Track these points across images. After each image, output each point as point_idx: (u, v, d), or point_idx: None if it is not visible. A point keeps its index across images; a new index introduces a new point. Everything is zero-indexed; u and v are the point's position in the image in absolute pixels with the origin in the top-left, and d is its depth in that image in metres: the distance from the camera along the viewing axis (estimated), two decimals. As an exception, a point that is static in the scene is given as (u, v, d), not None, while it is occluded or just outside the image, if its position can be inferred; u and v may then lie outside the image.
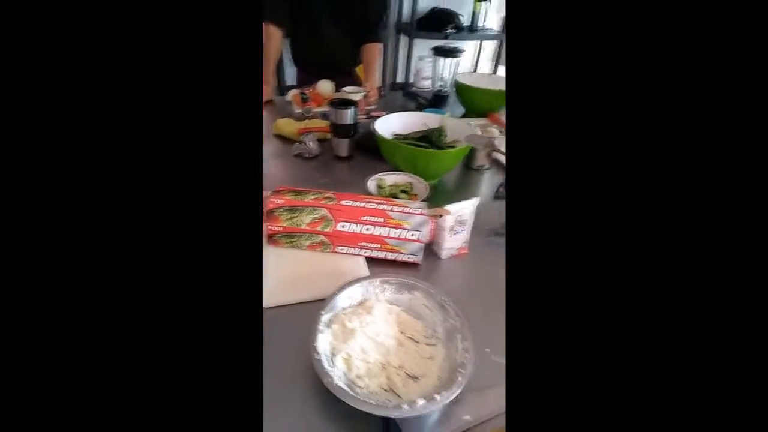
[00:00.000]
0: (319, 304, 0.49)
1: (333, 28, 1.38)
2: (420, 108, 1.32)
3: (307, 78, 1.42)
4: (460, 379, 0.41)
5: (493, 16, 2.54)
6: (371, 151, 0.95)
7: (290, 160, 0.96)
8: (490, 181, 0.91)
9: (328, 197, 0.62)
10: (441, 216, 0.61)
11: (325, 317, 0.48)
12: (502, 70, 2.61)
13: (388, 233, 0.61)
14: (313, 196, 0.62)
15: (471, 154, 0.94)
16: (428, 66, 1.51)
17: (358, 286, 0.53)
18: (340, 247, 0.63)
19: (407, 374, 0.44)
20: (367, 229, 0.61)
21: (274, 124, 1.09)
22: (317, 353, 0.43)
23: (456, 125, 0.92)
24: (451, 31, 2.35)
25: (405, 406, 0.38)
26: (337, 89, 1.34)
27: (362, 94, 1.30)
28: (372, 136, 0.87)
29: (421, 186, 0.77)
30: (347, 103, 0.94)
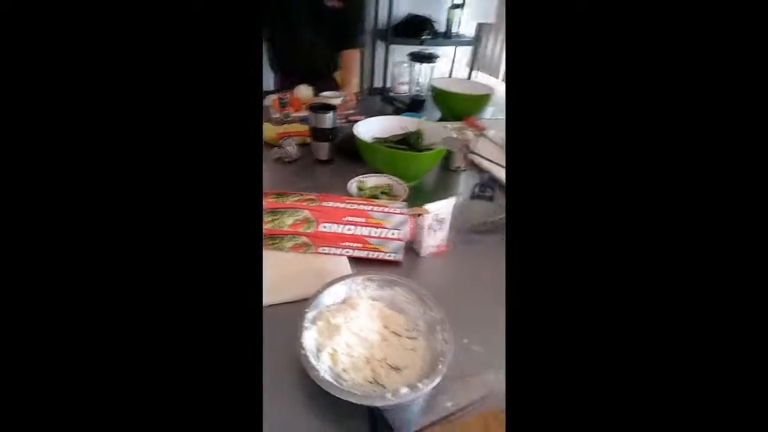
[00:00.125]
0: (304, 303, 0.50)
1: (312, 34, 1.40)
2: (398, 112, 1.35)
3: (285, 83, 1.43)
4: (441, 367, 0.43)
5: (467, 23, 2.61)
6: (351, 155, 0.97)
7: (270, 164, 0.97)
8: (467, 182, 0.95)
9: (310, 199, 0.64)
10: (420, 215, 0.63)
11: (310, 315, 0.49)
12: (477, 76, 2.67)
13: (370, 233, 0.62)
14: (295, 198, 0.64)
15: (448, 156, 0.97)
16: (405, 71, 1.55)
17: (342, 284, 0.54)
18: (322, 248, 0.64)
19: (390, 366, 0.46)
20: (349, 229, 0.62)
21: (254, 129, 1.09)
22: (303, 349, 0.44)
23: (433, 128, 0.95)
24: (426, 37, 2.41)
25: (389, 395, 0.40)
26: (316, 94, 1.35)
27: (341, 98, 1.32)
28: (351, 140, 0.89)
29: (401, 187, 0.79)
30: (327, 108, 0.96)
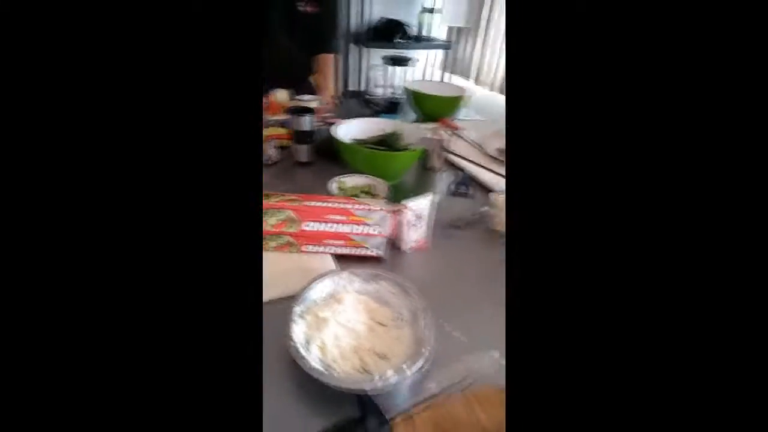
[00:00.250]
0: (291, 300, 0.52)
1: (287, 39, 1.41)
2: (375, 114, 1.37)
3: (263, 87, 1.43)
4: (424, 352, 0.45)
5: (439, 27, 2.67)
6: (330, 156, 0.99)
7: (251, 167, 0.98)
8: (444, 180, 0.98)
9: (293, 199, 0.65)
10: (400, 211, 0.65)
11: (297, 310, 0.51)
12: (450, 78, 2.73)
13: (352, 230, 0.64)
14: (278, 199, 0.65)
15: (426, 156, 1.00)
16: (381, 74, 1.58)
17: (328, 279, 0.56)
18: (307, 246, 0.66)
19: (378, 354, 0.48)
20: (332, 227, 0.64)
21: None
22: (293, 341, 0.46)
23: (410, 129, 0.98)
24: (400, 40, 2.45)
25: (377, 380, 0.42)
26: (293, 98, 1.36)
27: (318, 102, 1.34)
28: (330, 142, 0.91)
29: (381, 186, 0.82)
30: (305, 111, 0.97)
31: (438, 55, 2.88)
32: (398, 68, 1.45)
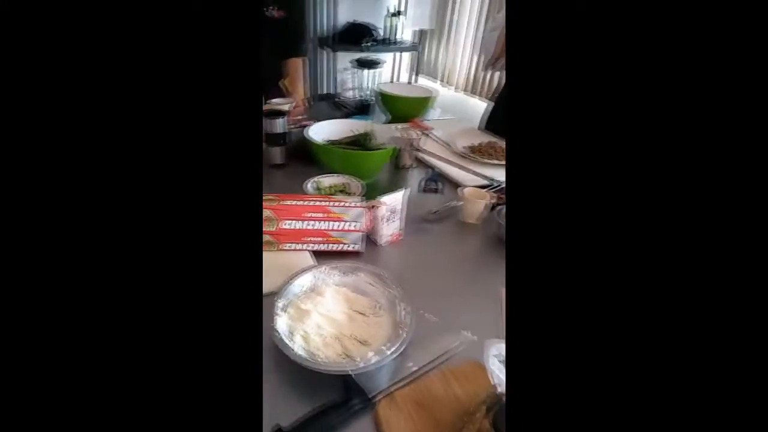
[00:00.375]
0: (272, 296, 0.54)
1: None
2: (346, 116, 1.40)
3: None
4: (402, 334, 0.49)
5: (406, 30, 2.73)
6: (303, 158, 1.01)
7: (225, 171, 0.98)
8: (416, 177, 1.02)
9: (270, 199, 0.67)
10: (376, 207, 0.69)
11: (280, 304, 0.53)
12: (420, 80, 2.80)
13: (330, 226, 0.67)
14: (256, 200, 0.67)
15: (398, 155, 1.04)
16: (351, 77, 1.61)
17: (309, 274, 0.58)
18: (286, 244, 0.68)
19: (359, 340, 0.51)
20: (311, 225, 0.67)
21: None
22: (277, 332, 0.48)
23: (381, 129, 1.01)
24: (369, 44, 2.49)
25: (359, 361, 0.45)
26: (265, 102, 1.37)
27: (289, 105, 1.35)
28: (303, 144, 0.93)
29: (357, 185, 0.85)
30: (277, 113, 0.99)
31: (405, 57, 2.94)
32: (367, 71, 1.48)
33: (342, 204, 0.68)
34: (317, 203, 0.68)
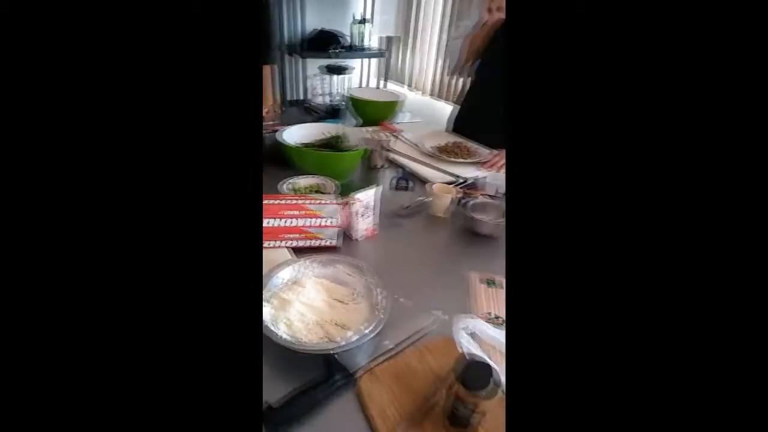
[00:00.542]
0: (256, 285, 0.57)
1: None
2: (317, 120, 1.44)
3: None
4: (379, 315, 0.53)
5: (373, 37, 2.80)
6: (277, 161, 1.03)
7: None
8: (387, 177, 1.07)
9: (249, 199, 0.70)
10: (351, 203, 0.73)
11: (263, 295, 0.56)
12: (388, 85, 2.86)
13: (308, 223, 0.71)
14: (234, 200, 0.69)
15: (370, 156, 1.09)
16: (321, 83, 1.65)
17: (289, 267, 0.62)
18: (266, 242, 0.71)
19: (339, 325, 0.55)
20: (289, 222, 0.70)
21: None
22: (262, 321, 0.51)
23: (353, 132, 1.06)
24: (337, 50, 2.53)
25: (340, 341, 0.49)
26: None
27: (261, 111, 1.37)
28: (276, 148, 0.96)
29: (331, 185, 0.88)
30: (251, 119, 1.01)
31: (373, 63, 3.00)
32: (336, 77, 1.53)
33: (318, 201, 0.72)
34: (294, 202, 0.71)
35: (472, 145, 1.24)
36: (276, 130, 1.04)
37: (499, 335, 0.51)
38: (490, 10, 1.11)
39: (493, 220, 0.82)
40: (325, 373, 0.48)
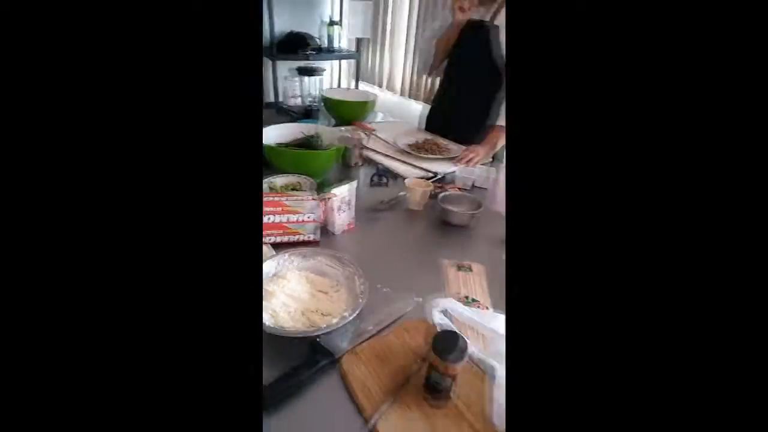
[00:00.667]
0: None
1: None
2: (293, 121, 1.46)
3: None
4: (360, 301, 0.56)
5: (344, 39, 2.82)
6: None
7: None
8: (364, 173, 1.10)
9: (229, 198, 0.72)
10: (329, 198, 0.76)
11: (247, 288, 0.58)
12: (361, 85, 2.90)
13: (287, 219, 0.73)
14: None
15: (347, 154, 1.12)
16: (295, 85, 1.66)
17: (272, 261, 0.64)
18: (246, 239, 0.72)
19: (322, 313, 0.58)
20: (269, 219, 0.72)
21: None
22: (248, 310, 0.53)
23: (328, 131, 1.09)
24: (310, 52, 2.55)
25: (323, 325, 0.52)
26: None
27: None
28: (255, 147, 0.98)
29: (308, 183, 0.91)
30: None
31: (345, 64, 3.03)
32: (310, 78, 1.55)
33: (297, 198, 0.74)
34: (273, 199, 0.73)
35: (443, 142, 1.29)
36: (252, 132, 1.06)
37: (470, 313, 0.55)
38: (456, 10, 1.16)
39: (464, 211, 0.87)
40: (311, 357, 0.51)
